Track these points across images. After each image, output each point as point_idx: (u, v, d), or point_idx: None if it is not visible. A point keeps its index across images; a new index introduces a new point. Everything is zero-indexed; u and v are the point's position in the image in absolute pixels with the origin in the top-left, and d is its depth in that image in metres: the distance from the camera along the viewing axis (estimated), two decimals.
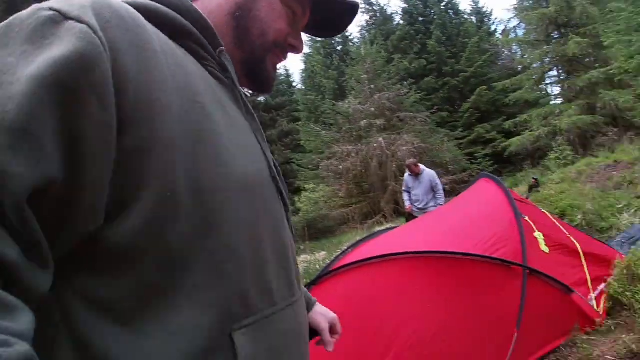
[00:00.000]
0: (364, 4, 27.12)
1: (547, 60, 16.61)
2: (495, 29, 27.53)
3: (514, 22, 18.51)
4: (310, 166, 19.08)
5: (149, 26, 0.55)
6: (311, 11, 0.81)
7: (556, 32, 16.22)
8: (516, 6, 17.38)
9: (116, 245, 0.49)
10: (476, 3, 27.70)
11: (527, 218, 3.40)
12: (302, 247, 13.51)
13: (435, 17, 23.10)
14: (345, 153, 16.12)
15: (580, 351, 2.93)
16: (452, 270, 2.84)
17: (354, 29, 38.10)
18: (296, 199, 20.04)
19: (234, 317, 0.56)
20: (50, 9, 0.47)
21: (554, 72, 18.15)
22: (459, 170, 16.20)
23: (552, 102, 20.30)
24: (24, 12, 0.47)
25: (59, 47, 0.44)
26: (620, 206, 6.28)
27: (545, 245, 3.32)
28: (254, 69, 0.77)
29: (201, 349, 0.53)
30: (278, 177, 0.72)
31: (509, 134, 17.88)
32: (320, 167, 17.13)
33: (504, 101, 18.03)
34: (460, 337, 2.64)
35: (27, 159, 0.41)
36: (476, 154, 18.20)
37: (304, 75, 29.93)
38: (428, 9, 24.08)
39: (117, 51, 0.48)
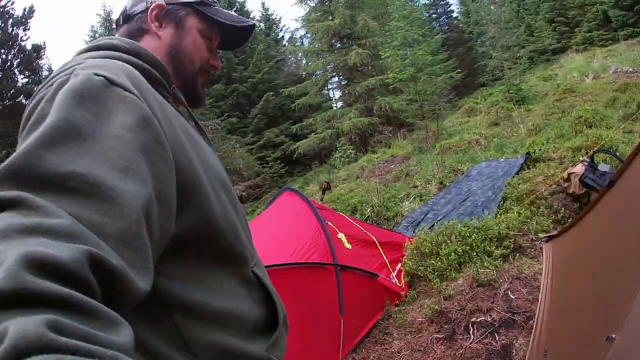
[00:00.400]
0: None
1: (329, 68, 17.85)
2: (283, 36, 28.84)
3: (301, 32, 19.65)
4: None
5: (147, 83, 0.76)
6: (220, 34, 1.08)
7: (339, 43, 17.48)
8: (304, 17, 18.35)
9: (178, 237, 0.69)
10: (266, 10, 28.72)
11: (330, 223, 3.86)
12: None
13: None
14: None
15: (396, 320, 3.49)
16: (281, 279, 2.99)
17: None
18: None
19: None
20: (97, 74, 0.63)
21: (336, 79, 19.79)
22: (253, 175, 16.38)
23: (334, 106, 22.34)
24: (79, 78, 0.62)
25: (125, 114, 0.61)
26: (401, 196, 7.12)
27: (348, 242, 3.86)
28: (190, 91, 1.03)
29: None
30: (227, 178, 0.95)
31: (296, 137, 18.63)
32: None
33: (291, 106, 18.70)
34: (299, 335, 2.81)
35: (137, 184, 0.55)
36: (267, 158, 18.43)
37: None
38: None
39: (151, 106, 0.68)
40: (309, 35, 17.74)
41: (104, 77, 0.63)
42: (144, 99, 0.68)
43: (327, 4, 17.40)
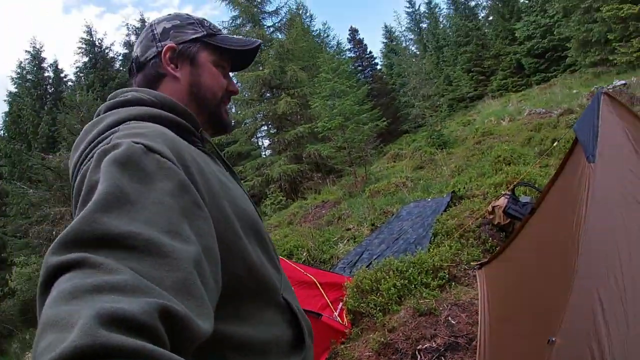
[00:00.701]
0: (86, 45, 24.97)
1: (259, 116, 18.15)
2: None
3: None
4: (18, 234, 16.52)
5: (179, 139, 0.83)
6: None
7: (269, 92, 17.87)
8: None
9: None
10: None
11: None
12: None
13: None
14: (58, 215, 13.89)
15: (343, 358, 3.51)
16: None
17: (70, 70, 34.31)
18: (8, 276, 16.18)
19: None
20: (135, 142, 0.69)
21: (264, 127, 20.12)
22: None
23: (263, 154, 22.53)
24: (122, 148, 0.67)
25: (165, 180, 0.66)
26: (335, 239, 7.21)
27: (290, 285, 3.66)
28: (216, 122, 1.10)
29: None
30: (259, 212, 1.03)
31: None
32: (30, 234, 14.67)
33: (221, 154, 18.71)
34: None
35: (185, 242, 0.60)
36: None
37: (7, 119, 25.35)
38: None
39: (187, 167, 0.74)
40: (239, 84, 17.87)
41: (142, 145, 0.68)
42: (181, 161, 0.74)
43: (257, 54, 17.86)
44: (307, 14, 33.06)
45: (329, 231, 7.94)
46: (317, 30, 33.88)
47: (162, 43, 1.04)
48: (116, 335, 0.41)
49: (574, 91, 14.49)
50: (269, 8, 19.18)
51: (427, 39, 35.65)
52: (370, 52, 37.38)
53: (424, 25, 35.10)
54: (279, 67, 16.69)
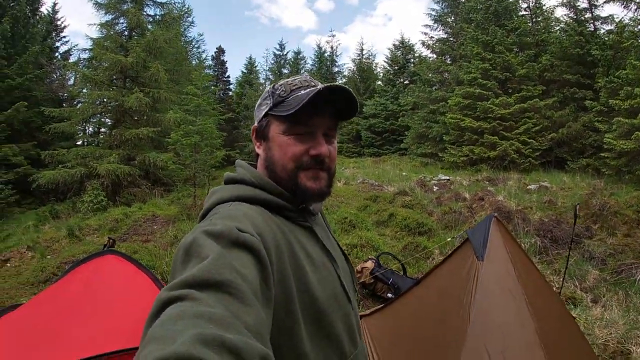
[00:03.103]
0: None
1: (100, 102, 16.24)
2: (58, 47, 25.03)
3: (87, 54, 17.20)
4: None
5: (264, 216, 0.97)
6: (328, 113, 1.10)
7: (122, 82, 16.21)
8: (96, 40, 16.21)
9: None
10: (55, 11, 24.65)
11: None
12: None
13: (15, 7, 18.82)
14: None
15: None
16: None
17: None
18: None
19: None
20: (230, 224, 0.85)
21: (98, 116, 17.98)
22: None
23: (85, 143, 20.02)
24: (218, 227, 0.83)
25: (248, 255, 0.79)
26: None
27: None
28: (295, 191, 1.06)
29: None
30: (346, 286, 1.10)
31: (37, 163, 15.92)
32: None
33: (44, 127, 15.99)
34: None
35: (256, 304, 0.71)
36: None
37: None
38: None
39: (268, 249, 0.86)
40: (95, 61, 15.75)
41: (235, 227, 0.82)
42: (264, 241, 0.87)
43: (124, 38, 16.19)
44: (190, 19, 31.81)
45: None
46: (191, 37, 32.60)
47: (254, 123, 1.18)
48: (210, 352, 0.49)
49: (404, 173, 16.67)
50: None
51: None
52: (229, 77, 37.27)
53: (286, 71, 36.48)
54: (142, 59, 15.41)
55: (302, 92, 1.06)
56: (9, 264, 8.12)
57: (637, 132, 11.87)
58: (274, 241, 0.91)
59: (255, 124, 1.15)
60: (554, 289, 5.12)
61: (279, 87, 1.11)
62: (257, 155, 1.15)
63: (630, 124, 12.45)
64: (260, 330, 0.66)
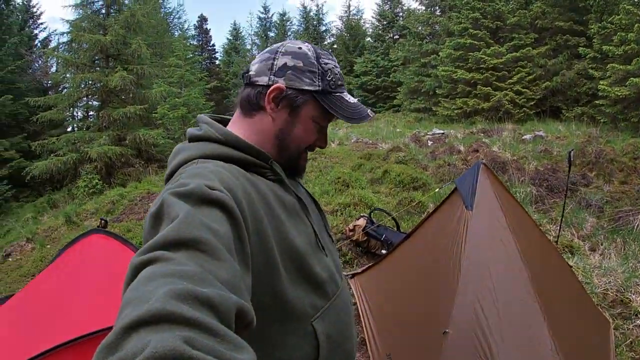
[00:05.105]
0: None
1: (84, 85, 15.79)
2: (37, 35, 24.11)
3: (66, 38, 16.58)
4: None
5: (232, 172, 0.95)
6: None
7: (104, 61, 15.76)
8: (72, 22, 15.57)
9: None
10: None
11: None
12: None
13: None
14: None
15: None
16: None
17: None
18: None
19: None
20: (198, 182, 0.82)
21: (85, 99, 17.55)
22: None
23: (75, 128, 19.73)
24: (189, 186, 0.80)
25: (218, 211, 0.78)
26: None
27: None
28: (292, 167, 1.15)
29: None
30: (318, 234, 1.12)
31: (29, 155, 15.71)
32: None
33: (31, 118, 15.61)
34: None
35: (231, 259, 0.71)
36: None
37: None
38: None
39: (240, 204, 0.86)
40: (75, 43, 15.23)
41: (204, 184, 0.81)
42: (234, 196, 0.85)
43: (101, 16, 15.66)
44: None
45: None
46: (171, 8, 31.78)
47: (275, 79, 1.06)
48: (184, 306, 0.49)
49: (398, 130, 16.47)
50: None
51: None
52: (214, 45, 36.56)
53: (272, 35, 35.73)
54: (122, 36, 14.90)
55: (349, 97, 1.12)
56: (10, 259, 8.16)
57: (631, 79, 11.65)
58: (245, 195, 0.91)
59: (281, 84, 1.05)
60: (551, 237, 5.11)
61: (329, 73, 1.09)
62: (259, 107, 1.09)
63: (624, 70, 12.22)
64: (236, 283, 0.66)
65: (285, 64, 1.06)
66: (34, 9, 24.39)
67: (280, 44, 1.12)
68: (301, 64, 1.07)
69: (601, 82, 13.11)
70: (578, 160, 8.56)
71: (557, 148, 10.32)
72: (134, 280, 0.58)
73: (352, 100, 1.13)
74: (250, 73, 1.10)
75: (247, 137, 1.08)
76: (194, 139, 1.07)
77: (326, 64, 1.09)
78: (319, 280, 1.05)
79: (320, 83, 1.07)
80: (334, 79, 1.10)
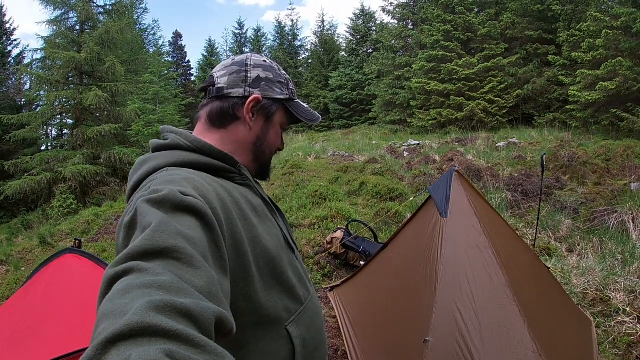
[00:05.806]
0: None
1: (58, 102, 15.47)
2: (10, 51, 23.53)
3: (40, 55, 16.21)
4: None
5: (204, 178, 0.96)
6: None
7: (78, 79, 15.52)
8: (47, 39, 15.32)
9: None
10: (2, 14, 23.47)
11: None
12: None
13: None
14: None
15: None
16: None
17: None
18: None
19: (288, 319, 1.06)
20: (172, 189, 0.81)
21: (59, 117, 17.26)
22: None
23: (49, 146, 19.34)
24: (162, 193, 0.79)
25: (192, 218, 0.78)
26: None
27: None
28: (264, 170, 1.24)
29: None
30: (289, 237, 1.18)
31: (1, 174, 15.38)
32: None
33: (4, 136, 15.31)
34: None
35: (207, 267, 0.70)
36: None
37: None
38: None
39: (214, 209, 0.86)
40: (49, 61, 14.93)
41: (177, 190, 0.81)
42: (208, 202, 0.85)
43: (76, 33, 15.47)
44: (142, 5, 30.76)
45: None
46: (146, 24, 31.59)
47: (251, 90, 1.14)
48: (163, 318, 0.49)
49: (374, 142, 16.61)
50: None
51: None
52: (189, 61, 36.43)
53: (247, 50, 35.82)
54: (97, 53, 14.70)
55: (301, 103, 1.26)
56: None
57: (601, 83, 12.06)
58: (219, 200, 0.91)
59: (258, 95, 1.13)
60: (528, 241, 5.18)
61: (290, 83, 1.23)
62: (234, 118, 1.14)
63: (594, 75, 12.64)
64: (213, 291, 0.65)
65: (259, 76, 1.16)
66: (7, 25, 23.95)
67: (244, 56, 1.19)
68: (272, 76, 1.18)
69: (571, 88, 13.57)
70: (552, 164, 8.77)
71: (530, 154, 10.56)
72: (109, 292, 0.57)
73: (306, 105, 1.27)
74: (221, 86, 1.14)
75: (220, 147, 1.10)
76: (159, 148, 1.08)
77: (285, 75, 1.23)
78: (291, 284, 1.08)
79: (287, 92, 1.20)
80: (293, 88, 1.24)
